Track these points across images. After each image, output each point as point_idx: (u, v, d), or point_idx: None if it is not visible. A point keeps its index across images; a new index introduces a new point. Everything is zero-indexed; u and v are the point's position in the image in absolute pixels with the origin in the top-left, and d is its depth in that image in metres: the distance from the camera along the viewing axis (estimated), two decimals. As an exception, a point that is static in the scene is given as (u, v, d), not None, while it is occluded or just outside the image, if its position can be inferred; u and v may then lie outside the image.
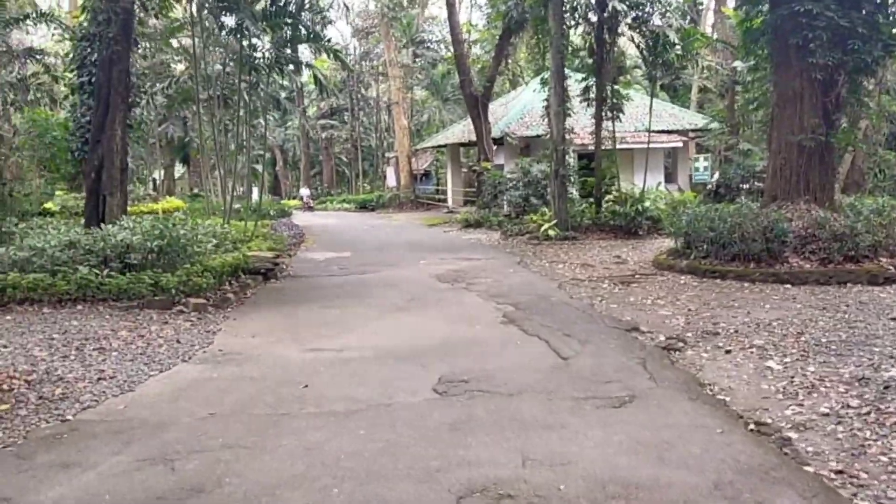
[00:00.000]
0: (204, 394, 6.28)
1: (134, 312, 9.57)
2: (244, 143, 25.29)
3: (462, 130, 34.18)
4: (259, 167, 52.83)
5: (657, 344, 7.77)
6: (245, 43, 16.86)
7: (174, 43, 29.21)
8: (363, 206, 39.00)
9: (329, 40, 18.94)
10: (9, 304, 9.43)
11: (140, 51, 27.98)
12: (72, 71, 23.37)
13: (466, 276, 13.65)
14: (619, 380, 6.30)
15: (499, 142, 30.01)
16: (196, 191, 36.80)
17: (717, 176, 26.00)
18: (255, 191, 51.92)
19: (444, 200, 37.69)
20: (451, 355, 7.45)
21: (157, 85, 28.38)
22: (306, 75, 51.06)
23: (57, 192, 25.57)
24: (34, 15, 20.07)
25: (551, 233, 19.16)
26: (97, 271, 9.93)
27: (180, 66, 33.65)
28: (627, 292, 11.20)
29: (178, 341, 8.19)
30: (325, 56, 25.69)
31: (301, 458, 4.73)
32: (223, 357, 7.60)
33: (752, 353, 7.27)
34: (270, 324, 9.50)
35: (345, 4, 19.15)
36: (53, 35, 29.90)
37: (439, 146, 38.11)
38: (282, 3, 17.41)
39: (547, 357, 7.30)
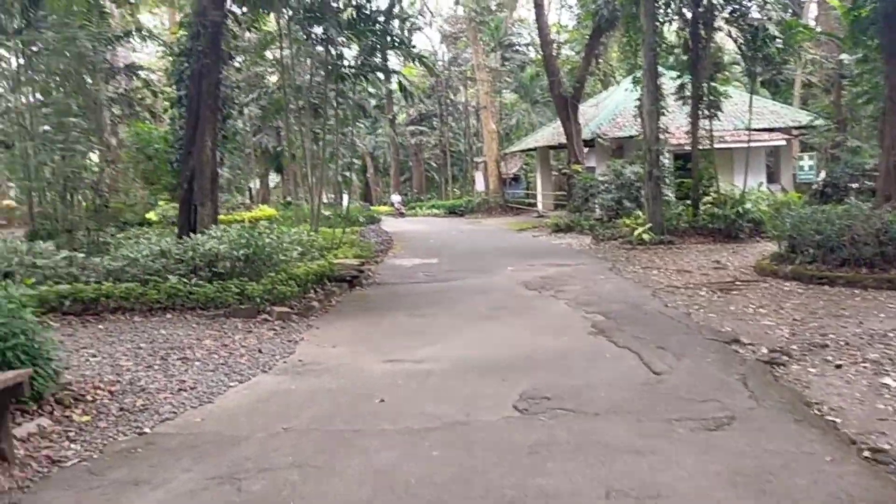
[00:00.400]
0: (280, 407, 6.15)
1: (220, 321, 9.63)
2: (334, 151, 25.59)
3: (552, 133, 33.61)
4: (350, 174, 53.77)
5: (759, 358, 7.18)
6: (333, 52, 16.95)
7: (268, 55, 29.87)
8: (452, 212, 38.91)
9: (414, 46, 18.83)
10: (102, 312, 9.64)
11: (236, 64, 28.81)
12: (171, 85, 24.13)
13: (555, 282, 13.22)
14: (717, 398, 5.79)
15: (590, 144, 29.30)
16: (289, 199, 37.53)
17: (823, 175, 24.54)
18: (346, 198, 52.93)
19: (534, 204, 37.15)
20: (535, 369, 7.09)
21: (252, 96, 29.07)
22: (395, 83, 51.79)
23: (159, 203, 26.52)
24: (135, 32, 20.82)
25: (645, 237, 18.47)
26: (186, 280, 10.07)
27: (274, 78, 34.43)
28: (727, 300, 10.54)
29: (260, 351, 8.14)
30: (413, 63, 25.76)
31: (369, 481, 4.49)
32: (303, 368, 7.48)
33: (865, 368, 6.61)
34: (352, 333, 9.37)
35: (429, 10, 18.97)
36: (157, 52, 31.14)
37: (528, 149, 37.63)
38: (367, 13, 17.45)
39: (638, 372, 6.84)
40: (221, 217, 21.48)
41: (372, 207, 48.30)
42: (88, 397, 6.28)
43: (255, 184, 43.13)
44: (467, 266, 16.45)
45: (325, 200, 33.02)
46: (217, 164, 13.18)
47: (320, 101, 24.38)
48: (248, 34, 24.81)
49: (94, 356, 7.70)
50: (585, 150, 29.83)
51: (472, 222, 33.58)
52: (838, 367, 6.76)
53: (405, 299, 12.11)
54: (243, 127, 31.85)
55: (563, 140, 29.28)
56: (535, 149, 36.22)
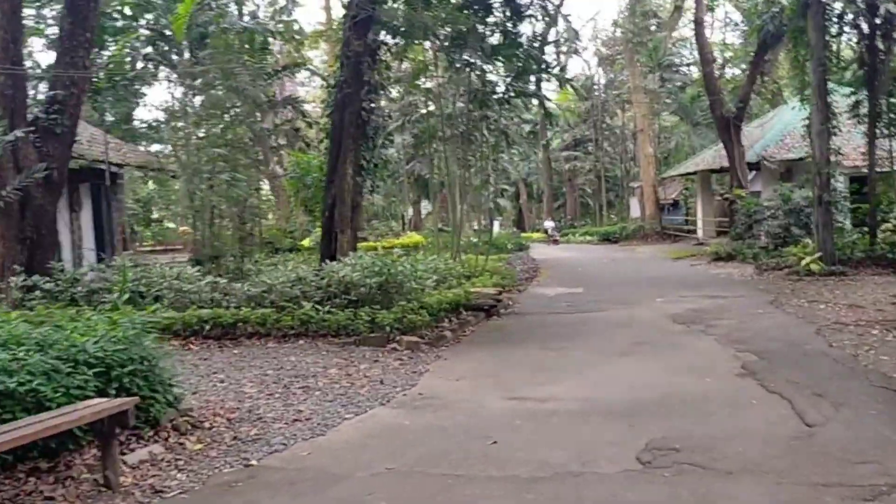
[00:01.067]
0: (390, 444, 5.92)
1: (349, 349, 9.62)
2: (485, 177, 25.59)
3: (713, 156, 31.90)
4: (502, 201, 53.77)
5: (938, 413, 6.15)
6: (477, 78, 16.91)
7: (422, 84, 30.50)
8: (606, 239, 37.80)
9: (564, 70, 18.43)
10: (240, 337, 9.93)
11: (393, 93, 29.64)
12: (326, 116, 25.11)
13: (707, 316, 12.29)
14: (878, 460, 4.93)
15: (755, 167, 27.51)
16: (441, 226, 38.01)
17: None
18: (496, 224, 52.97)
19: (694, 231, 35.37)
20: (668, 414, 6.44)
21: (397, 123, 29.73)
22: (539, 108, 51.43)
23: (316, 229, 27.61)
24: (293, 66, 21.88)
25: (814, 267, 16.92)
26: (319, 307, 10.17)
27: (431, 106, 35.16)
28: (904, 342, 9.28)
29: (382, 382, 7.99)
30: (563, 87, 25.34)
31: (462, 536, 4.12)
32: (421, 402, 7.23)
33: None
34: (480, 365, 9.05)
35: (575, 34, 18.47)
36: (322, 84, 32.66)
37: (688, 174, 35.94)
38: (515, 37, 17.24)
39: (787, 423, 6.03)
40: (369, 244, 22.01)
41: (524, 234, 47.99)
42: (206, 424, 6.34)
43: (409, 211, 44.05)
44: (613, 296, 15.72)
45: (475, 227, 33.17)
46: (359, 192, 13.35)
47: (470, 128, 24.54)
48: (404, 64, 25.48)
49: (222, 381, 7.86)
50: (750, 173, 28.01)
51: (625, 250, 32.42)
52: None
53: (541, 330, 11.65)
54: (396, 155, 32.59)
55: (725, 163, 27.68)
56: (695, 172, 34.54)
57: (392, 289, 10.72)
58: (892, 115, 18.17)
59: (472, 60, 14.78)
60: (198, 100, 15.84)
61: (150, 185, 33.56)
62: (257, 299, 10.59)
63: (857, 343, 9.29)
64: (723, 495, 4.52)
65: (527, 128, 53.12)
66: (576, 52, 51.38)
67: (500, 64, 17.08)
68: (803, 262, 17.21)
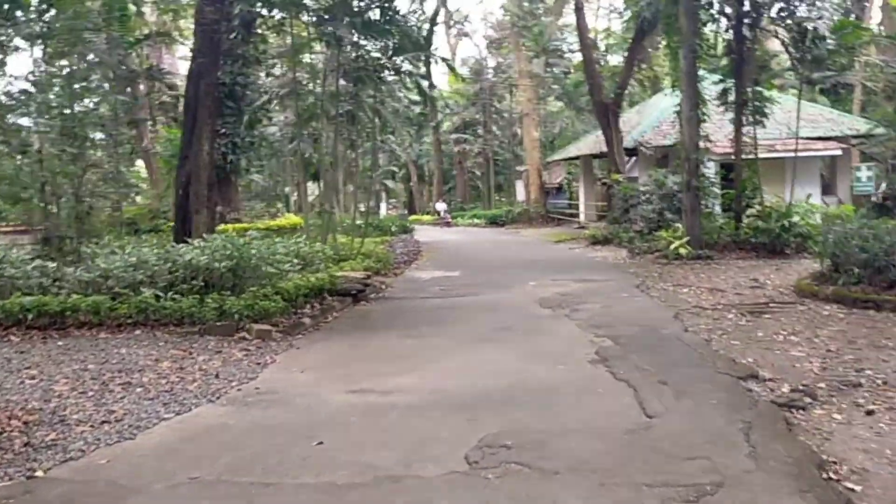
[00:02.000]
0: (203, 448, 5.35)
1: (192, 339, 8.92)
2: (372, 159, 24.95)
3: (594, 141, 32.40)
4: (391, 183, 53.26)
5: (775, 398, 6.10)
6: (351, 53, 16.28)
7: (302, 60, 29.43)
8: (493, 222, 37.93)
9: (436, 49, 18.02)
10: (69, 327, 9.05)
11: (276, 70, 28.45)
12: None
13: (573, 300, 12.22)
14: (708, 455, 4.76)
15: (633, 152, 28.07)
16: (325, 207, 37.07)
17: (883, 187, 22.88)
18: (383, 206, 52.40)
19: (577, 215, 35.95)
20: (512, 405, 6.15)
21: (286, 102, 28.66)
22: (440, 89, 51.06)
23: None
24: (156, 36, 20.53)
25: (682, 251, 17.28)
26: (161, 294, 9.39)
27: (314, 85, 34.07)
28: (756, 325, 9.41)
29: (217, 376, 7.37)
30: (449, 68, 25.00)
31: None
32: (255, 398, 6.68)
33: (905, 416, 5.51)
34: (331, 355, 8.56)
35: (452, 14, 18.08)
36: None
37: (571, 158, 36.46)
38: (391, 14, 16.71)
39: (628, 413, 5.85)
40: (242, 225, 21.01)
41: (413, 217, 47.63)
42: (-3, 428, 5.59)
43: (292, 192, 42.86)
44: (488, 280, 15.54)
45: (362, 209, 32.51)
46: (225, 169, 12.51)
47: (354, 108, 23.88)
48: (288, 39, 24.44)
49: (33, 378, 7.05)
50: (629, 159, 28.60)
51: (510, 233, 32.59)
52: (870, 413, 5.67)
53: (407, 316, 11.26)
54: (279, 133, 31.48)
55: (605, 148, 28.12)
56: (577, 157, 35.07)
57: (245, 273, 10.05)
58: (757, 104, 18.70)
59: (342, 35, 14.08)
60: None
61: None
62: (94, 286, 9.68)
63: (712, 327, 9.36)
64: (543, 498, 4.21)
65: (416, 109, 52.83)
66: (465, 34, 51.47)
67: (373, 40, 16.51)
68: (672, 247, 17.54)
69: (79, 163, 10.35)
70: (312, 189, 48.30)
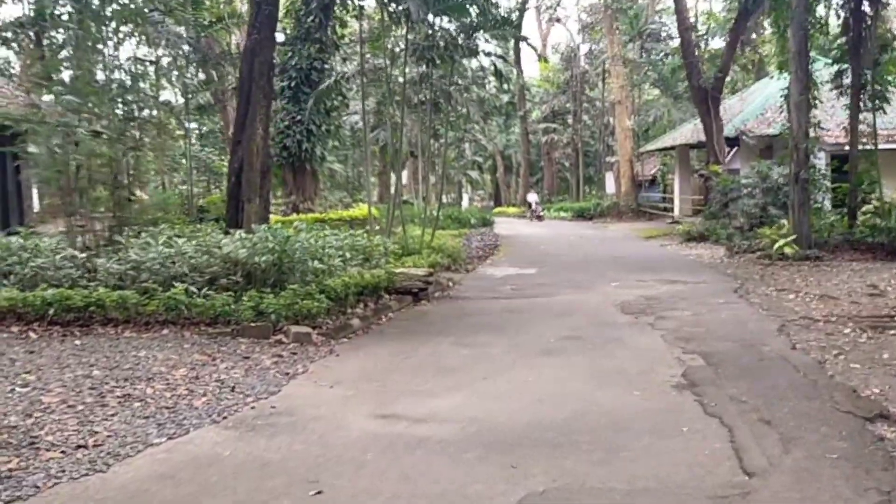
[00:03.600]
0: (180, 491, 4.35)
1: (222, 341, 8.01)
2: (459, 148, 23.94)
3: (692, 130, 30.31)
4: (475, 174, 52.09)
5: (921, 455, 4.64)
6: (422, 32, 15.17)
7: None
8: (580, 215, 36.18)
9: (517, 26, 16.71)
10: (93, 324, 8.30)
11: (356, 57, 27.73)
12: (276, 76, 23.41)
13: (659, 305, 10.80)
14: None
15: (734, 142, 25.97)
16: (407, 197, 36.29)
17: None
18: (466, 197, 51.29)
19: (671, 210, 33.89)
20: (568, 448, 4.91)
21: (367, 88, 27.92)
22: (528, 75, 49.48)
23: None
24: (224, 20, 19.99)
25: (787, 250, 15.47)
26: (195, 290, 8.53)
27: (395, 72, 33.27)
28: (879, 344, 7.81)
29: (234, 388, 6.40)
30: (519, 44, 23.58)
31: None
32: (266, 419, 5.66)
33: None
34: (372, 364, 7.49)
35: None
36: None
37: (666, 148, 34.35)
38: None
39: (720, 467, 4.51)
40: (314, 216, 20.32)
41: (498, 209, 46.32)
42: (-47, 453, 4.74)
43: (375, 181, 42.34)
44: (566, 279, 14.21)
45: (444, 201, 31.49)
46: (267, 153, 11.64)
47: (436, 95, 22.91)
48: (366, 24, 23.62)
49: (26, 386, 6.23)
50: (729, 150, 26.49)
51: (597, 227, 30.89)
52: None
53: (469, 320, 10.10)
54: (360, 122, 30.77)
55: (704, 137, 26.14)
56: (673, 147, 33.00)
57: (289, 268, 9.10)
58: (876, 88, 16.62)
59: (412, 11, 12.97)
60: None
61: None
62: (127, 279, 8.92)
63: (826, 345, 7.80)
64: None
65: (505, 98, 51.39)
66: (557, 20, 49.68)
67: (449, 19, 15.35)
68: (776, 245, 15.76)
69: (118, 145, 9.62)
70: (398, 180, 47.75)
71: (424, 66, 16.03)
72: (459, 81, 22.49)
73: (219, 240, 9.29)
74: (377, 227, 17.43)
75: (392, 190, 34.99)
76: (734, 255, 17.51)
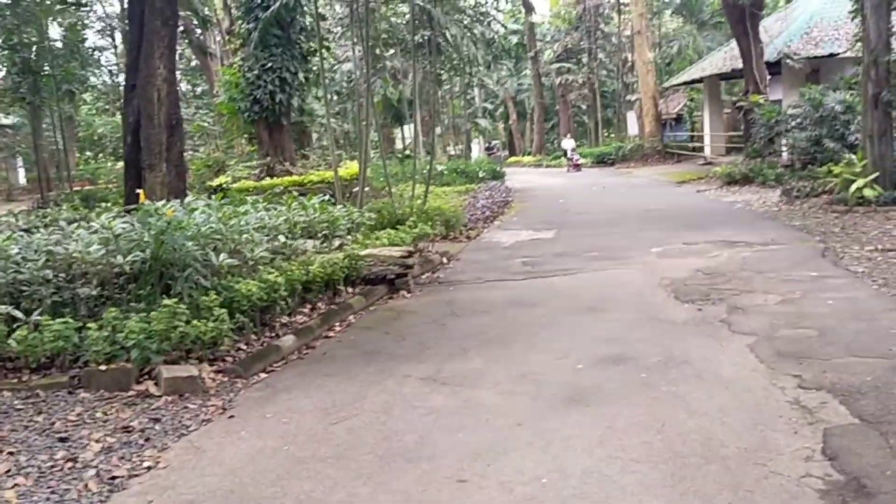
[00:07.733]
0: None
1: (47, 402, 4.98)
2: (466, 95, 20.70)
3: (723, 59, 26.68)
4: (483, 121, 48.46)
5: None
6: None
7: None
8: (601, 161, 32.66)
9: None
10: None
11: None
12: (239, 20, 20.23)
13: (727, 285, 7.70)
14: None
15: (773, 69, 22.33)
16: (408, 152, 32.91)
17: None
18: (475, 148, 47.77)
19: (701, 150, 30.39)
20: None
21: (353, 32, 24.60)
22: (537, 15, 45.48)
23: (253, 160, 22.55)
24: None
25: (868, 193, 12.24)
26: (20, 314, 5.48)
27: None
28: None
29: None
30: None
31: None
32: None
33: None
34: (280, 437, 4.46)
35: None
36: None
37: (693, 81, 30.62)
38: None
39: None
40: (291, 179, 17.20)
41: (513, 158, 42.94)
42: None
43: (376, 136, 38.97)
44: (593, 245, 11.14)
45: (451, 152, 28.28)
46: (174, 102, 8.43)
47: (434, 35, 19.67)
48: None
49: None
50: (769, 77, 22.89)
51: (621, 174, 27.55)
52: None
53: (455, 326, 6.99)
54: (353, 71, 27.40)
55: (738, 65, 22.63)
56: (701, 80, 29.36)
57: (180, 270, 6.01)
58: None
59: None
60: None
61: None
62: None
63: None
64: None
65: (514, 39, 47.46)
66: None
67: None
68: (853, 188, 12.50)
69: None
70: (403, 133, 44.29)
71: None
72: (464, 19, 19.43)
73: (70, 231, 6.18)
74: (367, 189, 14.28)
75: (406, 146, 31.75)
76: (792, 200, 14.33)
